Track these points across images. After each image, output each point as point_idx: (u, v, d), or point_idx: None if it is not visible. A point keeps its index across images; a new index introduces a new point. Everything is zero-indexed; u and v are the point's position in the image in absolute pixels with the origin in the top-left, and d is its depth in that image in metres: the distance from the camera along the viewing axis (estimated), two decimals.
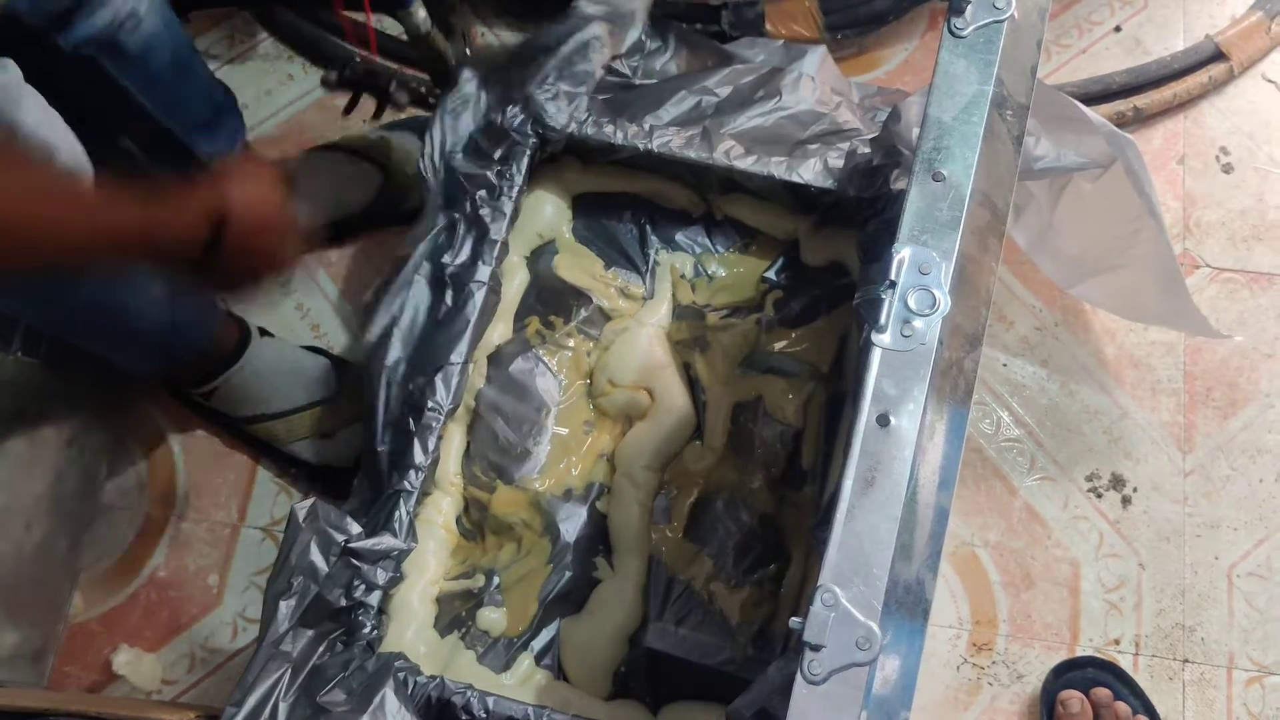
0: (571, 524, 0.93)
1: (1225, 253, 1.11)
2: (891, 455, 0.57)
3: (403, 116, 1.19)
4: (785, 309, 0.97)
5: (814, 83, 1.02)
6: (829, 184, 0.94)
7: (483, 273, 0.93)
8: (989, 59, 0.67)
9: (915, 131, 0.72)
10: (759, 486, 0.92)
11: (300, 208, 0.75)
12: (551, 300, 1.00)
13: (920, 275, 0.61)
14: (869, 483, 0.56)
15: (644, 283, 1.02)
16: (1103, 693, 0.93)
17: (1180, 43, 1.20)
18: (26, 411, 1.00)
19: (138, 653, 1.02)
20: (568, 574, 0.92)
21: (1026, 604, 1.00)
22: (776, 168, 0.95)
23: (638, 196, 1.03)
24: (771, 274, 0.99)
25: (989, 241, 0.68)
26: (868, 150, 0.92)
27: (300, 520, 0.79)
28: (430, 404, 0.89)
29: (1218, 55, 1.16)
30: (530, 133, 0.97)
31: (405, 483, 0.86)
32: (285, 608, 0.77)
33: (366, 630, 0.82)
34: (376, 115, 1.15)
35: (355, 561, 0.81)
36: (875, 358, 0.59)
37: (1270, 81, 1.18)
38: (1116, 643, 0.98)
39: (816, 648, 0.53)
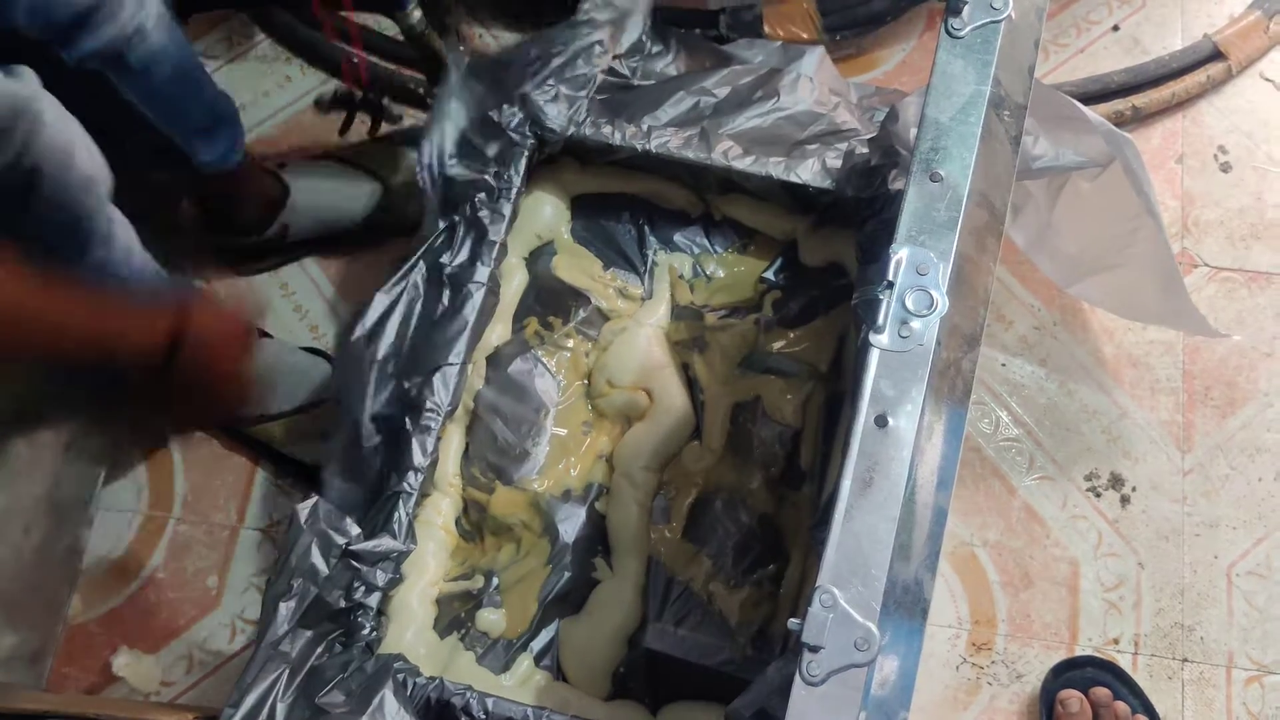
0: (570, 525, 0.93)
1: (1224, 252, 1.11)
2: (890, 455, 0.57)
3: (404, 126, 1.19)
4: (783, 309, 0.98)
5: (812, 83, 1.02)
6: (827, 184, 0.94)
7: (481, 273, 0.93)
8: (986, 59, 0.67)
9: (913, 132, 0.72)
10: (758, 487, 0.92)
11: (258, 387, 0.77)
12: (550, 301, 1.00)
13: (918, 276, 0.61)
14: (867, 483, 0.56)
15: (642, 283, 1.02)
16: (1102, 692, 0.93)
17: (1178, 42, 1.20)
18: (25, 415, 1.00)
19: (136, 654, 1.02)
20: (567, 575, 0.92)
21: (1025, 603, 1.00)
22: (775, 168, 0.95)
23: (636, 197, 1.03)
24: (770, 274, 1.00)
25: (987, 241, 0.68)
26: (866, 151, 0.92)
27: (302, 521, 0.80)
28: (429, 405, 0.89)
29: (1216, 54, 1.16)
30: (529, 134, 0.97)
31: (404, 484, 0.86)
32: (285, 609, 0.77)
33: (366, 631, 0.82)
34: (373, 131, 1.15)
35: (355, 563, 0.81)
36: (873, 358, 0.59)
37: (1268, 80, 1.18)
38: (1116, 642, 0.98)
39: (815, 649, 0.53)
